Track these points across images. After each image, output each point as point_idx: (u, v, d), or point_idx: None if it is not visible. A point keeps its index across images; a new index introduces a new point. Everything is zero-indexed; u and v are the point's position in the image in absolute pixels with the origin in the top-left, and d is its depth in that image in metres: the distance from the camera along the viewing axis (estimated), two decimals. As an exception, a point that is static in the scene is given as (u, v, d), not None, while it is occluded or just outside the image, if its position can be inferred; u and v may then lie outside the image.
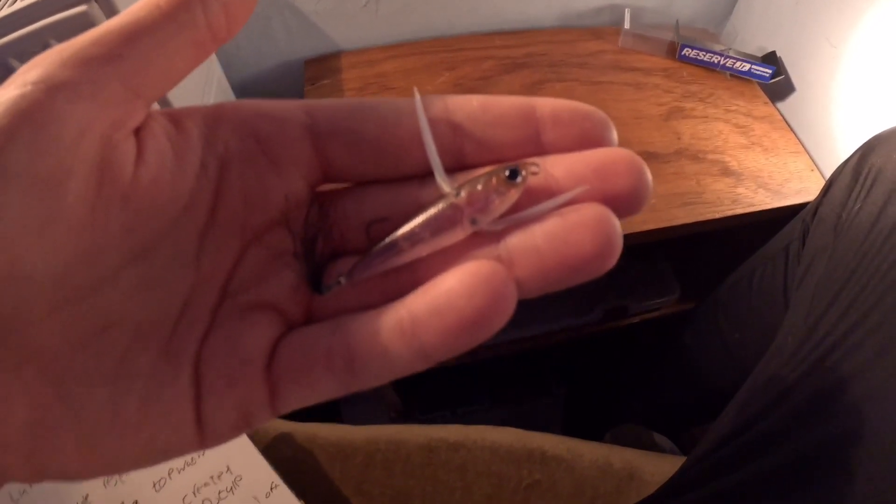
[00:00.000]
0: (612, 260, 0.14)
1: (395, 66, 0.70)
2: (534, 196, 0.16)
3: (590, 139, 0.16)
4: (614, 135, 0.16)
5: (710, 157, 0.64)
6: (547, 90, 0.68)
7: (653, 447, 0.68)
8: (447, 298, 0.14)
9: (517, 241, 0.15)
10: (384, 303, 0.15)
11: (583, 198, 0.15)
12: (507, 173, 0.15)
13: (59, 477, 0.14)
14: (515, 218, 0.15)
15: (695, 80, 0.72)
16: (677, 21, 0.74)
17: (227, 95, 0.69)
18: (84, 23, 0.44)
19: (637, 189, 0.15)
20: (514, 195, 0.15)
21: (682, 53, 0.73)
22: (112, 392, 0.14)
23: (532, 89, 0.68)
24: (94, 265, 0.14)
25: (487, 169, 0.16)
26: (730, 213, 0.59)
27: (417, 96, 0.17)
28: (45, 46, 0.44)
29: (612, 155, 0.15)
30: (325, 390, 0.15)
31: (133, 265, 0.15)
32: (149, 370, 0.15)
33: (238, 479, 0.42)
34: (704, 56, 0.72)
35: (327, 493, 0.46)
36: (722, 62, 0.72)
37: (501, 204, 0.15)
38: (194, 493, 0.41)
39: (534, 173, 0.16)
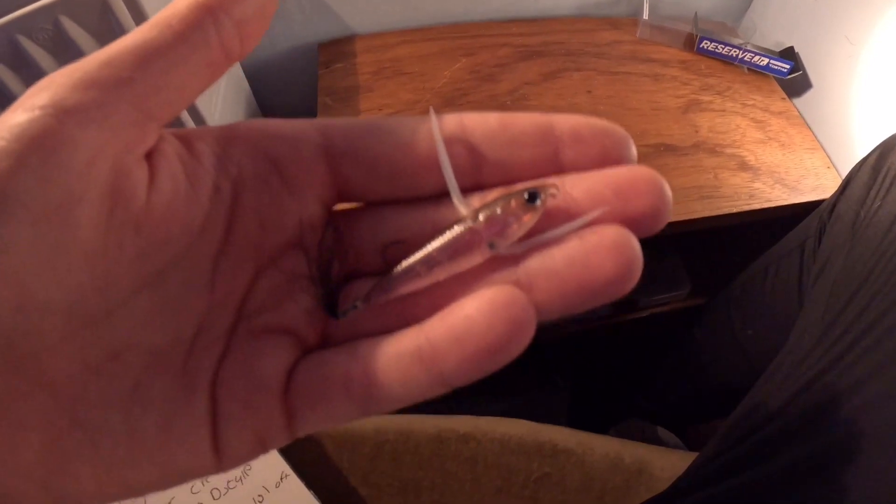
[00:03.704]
0: (633, 283, 0.14)
1: (409, 50, 0.69)
2: (553, 217, 0.15)
3: (610, 157, 0.16)
4: (634, 151, 0.16)
5: (728, 151, 0.63)
6: (565, 79, 0.67)
7: (656, 442, 0.68)
8: (466, 326, 0.14)
9: (536, 265, 0.15)
10: (400, 326, 0.15)
11: (602, 218, 0.15)
12: (525, 196, 0.15)
13: (76, 502, 0.14)
14: (534, 241, 0.15)
15: (712, 74, 0.71)
16: (696, 13, 0.73)
17: (240, 79, 0.68)
18: (95, 0, 0.43)
19: (657, 209, 0.15)
20: (532, 219, 0.15)
21: (701, 46, 0.72)
22: (127, 417, 0.14)
23: (550, 77, 0.67)
24: (106, 292, 0.14)
25: (505, 190, 0.16)
26: (746, 207, 0.58)
27: (433, 116, 0.16)
28: (55, 23, 0.43)
29: (632, 174, 0.15)
30: (343, 415, 0.15)
31: (146, 290, 0.14)
32: (164, 395, 0.14)
33: (247, 468, 0.42)
34: (723, 49, 0.71)
35: (335, 483, 0.46)
36: (740, 56, 0.71)
37: (520, 228, 0.15)
38: (203, 483, 0.41)
39: (553, 196, 0.15)
